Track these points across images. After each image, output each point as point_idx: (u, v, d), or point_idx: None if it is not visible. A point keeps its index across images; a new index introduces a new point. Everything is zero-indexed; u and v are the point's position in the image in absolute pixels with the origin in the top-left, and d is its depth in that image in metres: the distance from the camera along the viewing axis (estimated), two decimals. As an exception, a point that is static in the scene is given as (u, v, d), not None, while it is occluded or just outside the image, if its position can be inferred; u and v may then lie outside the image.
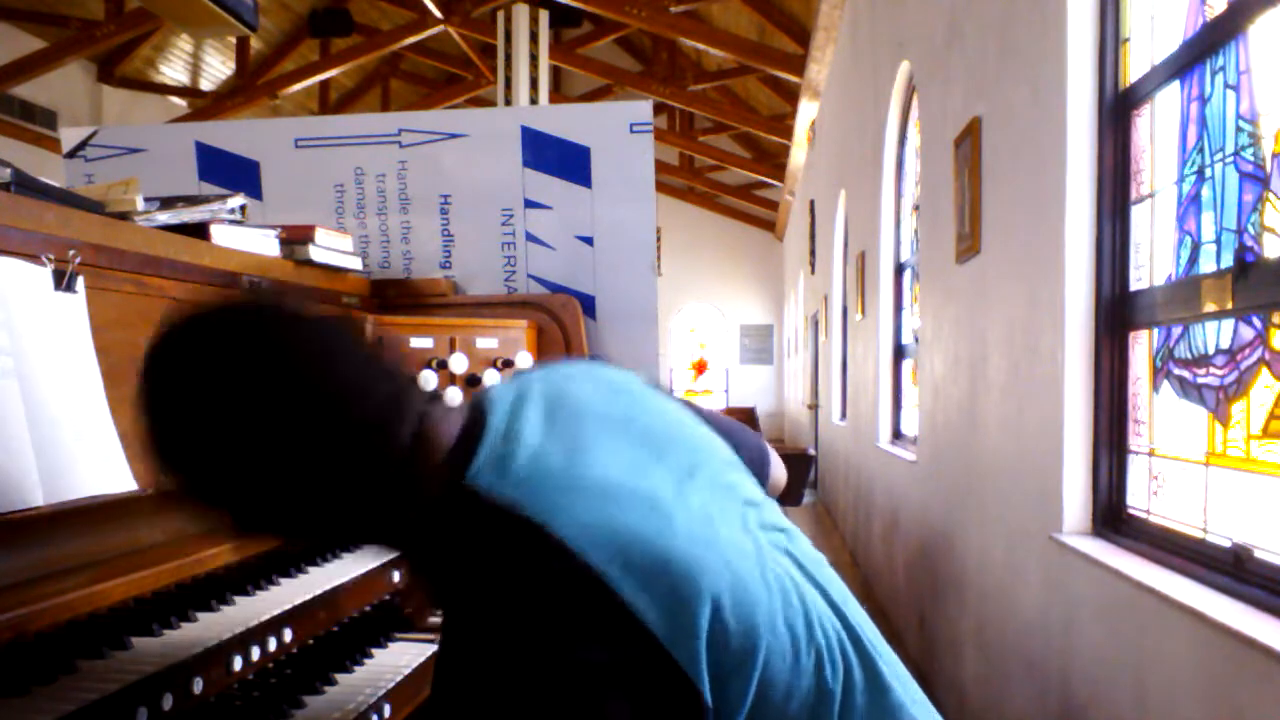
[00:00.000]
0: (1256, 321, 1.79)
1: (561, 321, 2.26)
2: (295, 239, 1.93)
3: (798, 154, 11.23)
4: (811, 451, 9.68)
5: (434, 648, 1.48)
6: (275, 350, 0.88)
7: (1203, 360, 1.99)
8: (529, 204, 2.41)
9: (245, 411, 0.85)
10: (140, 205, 1.56)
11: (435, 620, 1.57)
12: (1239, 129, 1.87)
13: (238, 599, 1.27)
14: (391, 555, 1.61)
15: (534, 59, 9.60)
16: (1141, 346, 2.28)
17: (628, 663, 0.83)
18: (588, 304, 2.35)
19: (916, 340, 4.61)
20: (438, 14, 10.15)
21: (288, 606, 1.27)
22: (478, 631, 0.83)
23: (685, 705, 0.84)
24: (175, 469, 0.89)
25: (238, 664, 1.18)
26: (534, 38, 9.61)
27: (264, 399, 0.85)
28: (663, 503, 0.91)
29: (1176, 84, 2.12)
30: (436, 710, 0.85)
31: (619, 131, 2.36)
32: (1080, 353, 2.38)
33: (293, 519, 0.92)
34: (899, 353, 5.39)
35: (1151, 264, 2.24)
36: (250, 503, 0.90)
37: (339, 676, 1.36)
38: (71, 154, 2.59)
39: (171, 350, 0.91)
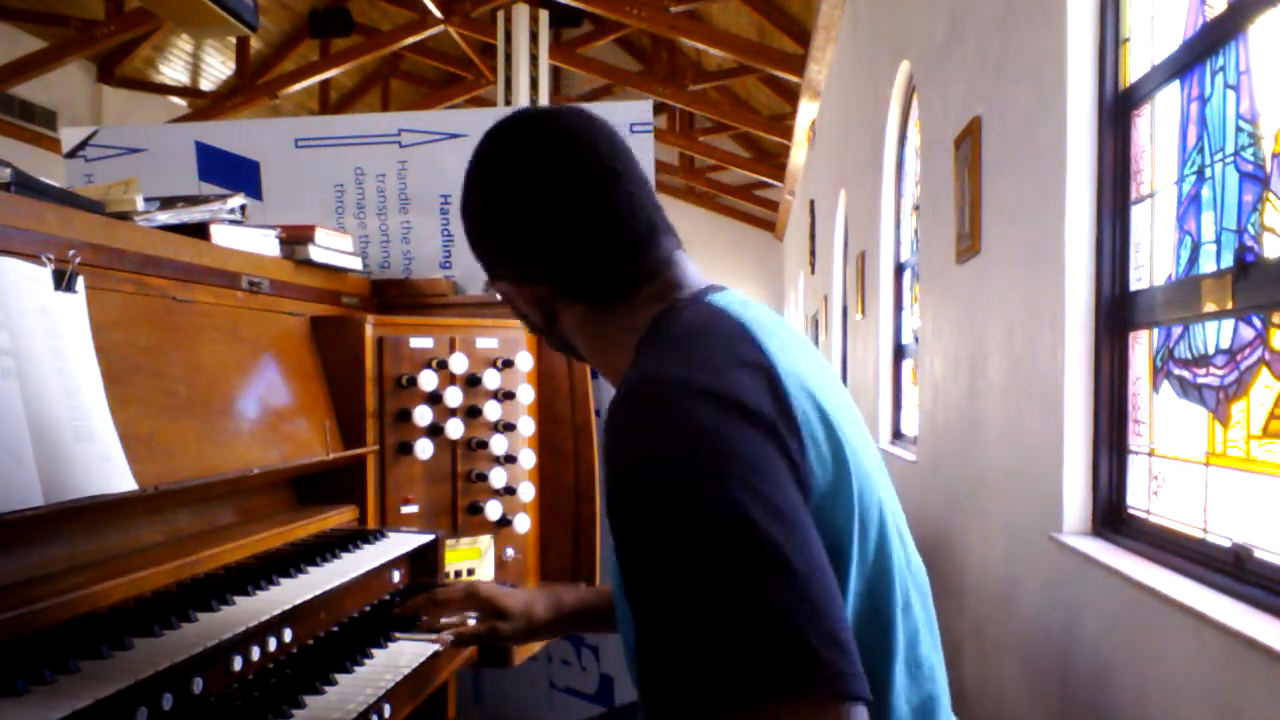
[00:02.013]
0: (1256, 321, 1.79)
1: (561, 321, 2.26)
2: (295, 239, 1.93)
3: (798, 154, 11.23)
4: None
5: (434, 648, 1.48)
6: (598, 150, 1.10)
7: (1203, 360, 1.99)
8: (529, 204, 2.41)
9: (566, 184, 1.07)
10: (140, 205, 1.56)
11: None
12: (1239, 129, 1.87)
13: (238, 599, 1.27)
14: (399, 551, 1.61)
15: (534, 59, 9.61)
16: (1141, 346, 2.28)
17: (787, 449, 0.88)
18: (588, 304, 2.35)
19: (916, 340, 4.61)
20: (438, 14, 10.15)
21: (288, 606, 1.27)
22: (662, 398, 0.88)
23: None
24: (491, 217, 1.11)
25: (238, 664, 1.18)
26: (534, 38, 9.62)
27: (578, 181, 1.08)
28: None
29: (1176, 84, 2.12)
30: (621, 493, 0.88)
31: (619, 131, 2.36)
32: (1080, 353, 2.38)
33: (566, 274, 1.09)
34: (899, 353, 5.39)
35: (1151, 264, 2.24)
36: (539, 253, 1.08)
37: (339, 676, 1.36)
38: (71, 154, 2.59)
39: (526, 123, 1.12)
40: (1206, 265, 1.97)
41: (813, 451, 0.90)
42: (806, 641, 0.76)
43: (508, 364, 2.12)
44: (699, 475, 0.83)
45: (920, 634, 1.03)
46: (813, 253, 10.13)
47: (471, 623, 1.48)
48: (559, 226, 1.08)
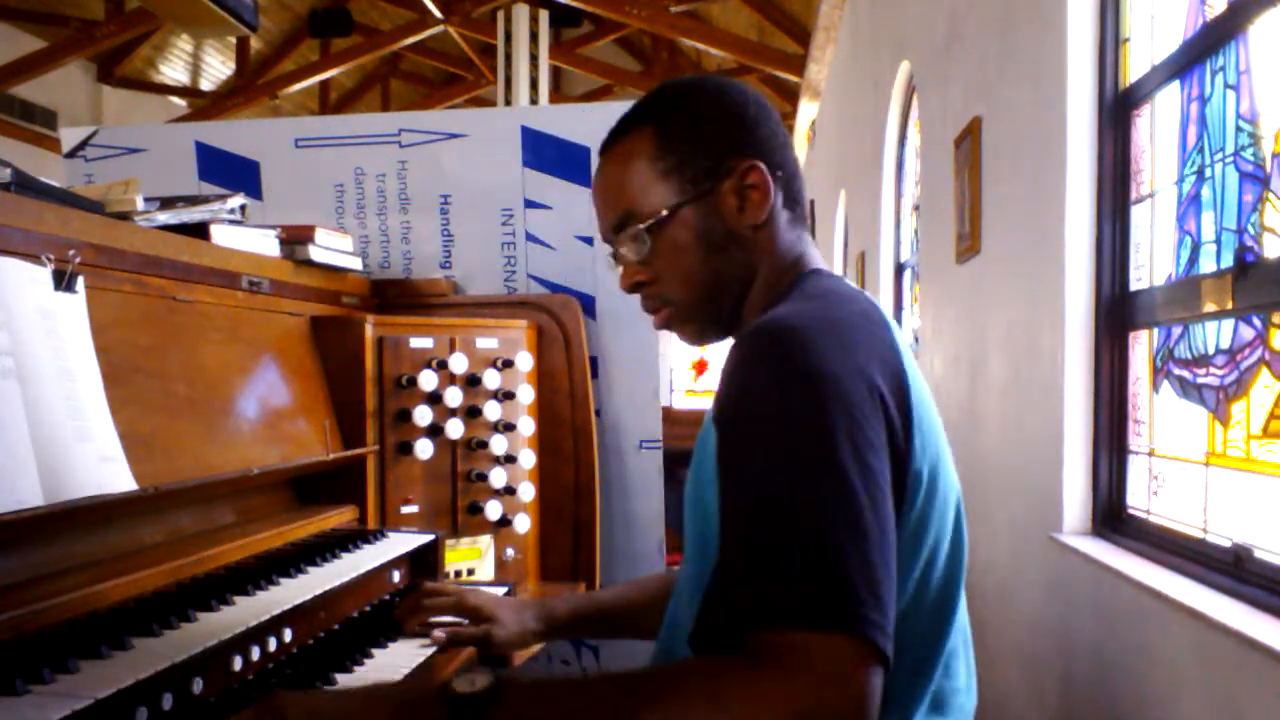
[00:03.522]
0: (1256, 321, 1.79)
1: (561, 321, 2.26)
2: (295, 239, 1.93)
3: (798, 154, 11.23)
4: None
5: (432, 649, 1.48)
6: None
7: (1203, 360, 1.99)
8: (529, 204, 2.41)
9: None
10: (140, 205, 1.56)
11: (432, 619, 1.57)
12: (1239, 129, 1.87)
13: (238, 599, 1.27)
14: (401, 550, 1.61)
15: (534, 59, 9.61)
16: (1141, 346, 2.28)
17: (893, 405, 0.95)
18: (588, 304, 2.35)
19: (916, 340, 4.61)
20: (438, 14, 10.15)
21: (288, 606, 1.27)
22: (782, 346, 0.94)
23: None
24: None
25: (238, 664, 1.18)
26: (534, 38, 9.61)
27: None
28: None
29: (1176, 84, 2.12)
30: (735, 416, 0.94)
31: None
32: (1080, 352, 2.38)
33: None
34: (899, 353, 5.38)
35: (1151, 264, 2.24)
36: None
37: (339, 676, 1.35)
38: (71, 154, 2.58)
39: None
40: (1206, 265, 1.97)
41: (918, 441, 0.96)
42: (854, 589, 0.82)
43: (508, 364, 2.12)
44: (810, 413, 0.89)
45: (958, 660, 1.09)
46: (813, 253, 10.12)
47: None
48: (769, 146, 1.15)
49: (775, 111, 1.20)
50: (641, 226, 1.14)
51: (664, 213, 1.12)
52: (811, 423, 0.88)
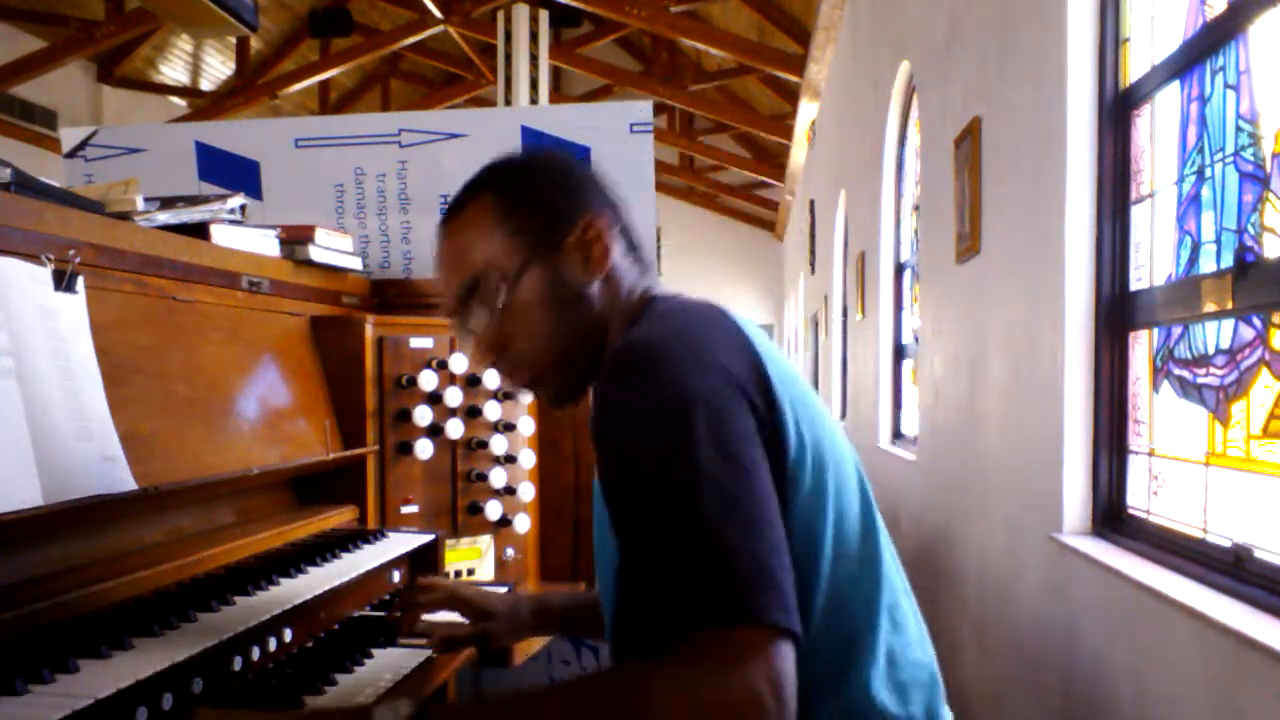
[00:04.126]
0: (1256, 321, 1.79)
1: (561, 321, 2.26)
2: (295, 239, 1.93)
3: (798, 154, 11.23)
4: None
5: (429, 651, 1.48)
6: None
7: (1203, 360, 1.99)
8: (529, 204, 2.41)
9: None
10: (140, 205, 1.56)
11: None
12: (1239, 129, 1.87)
13: (238, 599, 1.27)
14: (392, 555, 1.61)
15: (534, 59, 9.61)
16: (1141, 346, 2.28)
17: (755, 393, 0.97)
18: (588, 304, 2.35)
19: (916, 340, 4.61)
20: (438, 14, 10.15)
21: (288, 606, 1.27)
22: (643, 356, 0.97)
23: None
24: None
25: (238, 664, 1.18)
26: (534, 38, 9.62)
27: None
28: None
29: (1176, 84, 2.12)
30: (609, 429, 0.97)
31: (619, 131, 2.36)
32: (1080, 353, 2.38)
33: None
34: (899, 353, 5.39)
35: (1151, 264, 2.24)
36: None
37: (339, 676, 1.36)
38: (71, 154, 2.58)
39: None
40: (1206, 265, 1.97)
41: (789, 420, 0.99)
42: (740, 578, 0.86)
43: (508, 364, 2.12)
44: (673, 418, 0.92)
45: (905, 629, 1.12)
46: (813, 253, 10.13)
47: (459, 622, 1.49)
48: (602, 201, 1.18)
49: (600, 175, 1.25)
50: (491, 288, 1.14)
51: (511, 273, 1.13)
52: (675, 428, 0.91)
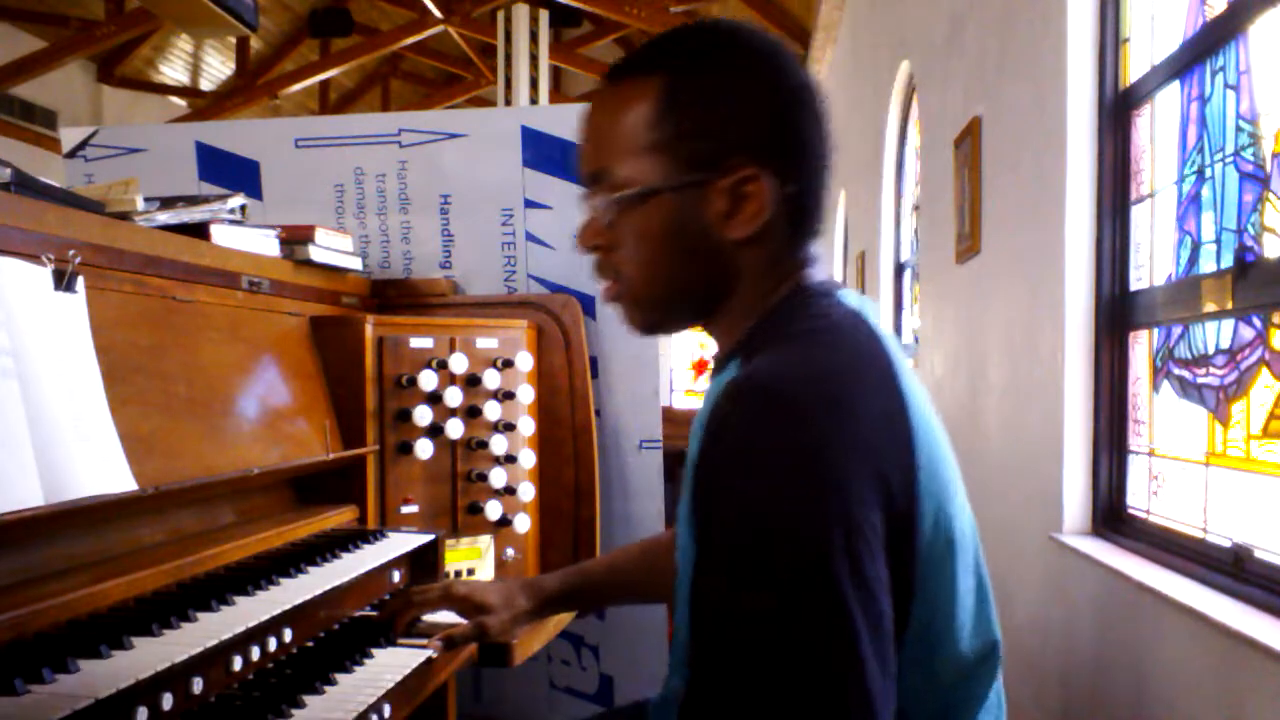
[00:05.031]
0: (1256, 321, 1.79)
1: (561, 321, 2.26)
2: (295, 239, 1.93)
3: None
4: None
5: (429, 651, 1.47)
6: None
7: (1203, 360, 1.99)
8: (529, 204, 2.41)
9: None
10: (140, 205, 1.56)
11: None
12: (1239, 129, 1.87)
13: (238, 599, 1.27)
14: (410, 547, 1.61)
15: (534, 59, 9.60)
16: (1141, 346, 2.28)
17: (894, 476, 0.85)
18: (588, 304, 2.35)
19: (916, 340, 4.61)
20: (438, 14, 10.14)
21: (288, 606, 1.27)
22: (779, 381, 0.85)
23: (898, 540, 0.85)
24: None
25: (238, 664, 1.18)
26: (534, 38, 9.61)
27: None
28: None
29: (1176, 84, 2.12)
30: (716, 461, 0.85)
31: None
32: (1080, 353, 2.38)
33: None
34: (899, 353, 5.39)
35: (1151, 264, 2.24)
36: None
37: (339, 676, 1.35)
38: (71, 154, 2.58)
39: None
40: (1206, 265, 1.97)
41: (927, 513, 0.88)
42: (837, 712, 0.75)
43: (508, 364, 2.12)
44: (805, 514, 0.78)
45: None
46: (813, 253, 10.11)
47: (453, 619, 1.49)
48: (796, 152, 0.97)
49: (824, 114, 0.99)
50: (613, 196, 0.98)
51: (639, 189, 0.96)
52: (806, 527, 0.78)
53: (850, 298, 1.03)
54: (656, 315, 1.04)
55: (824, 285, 1.01)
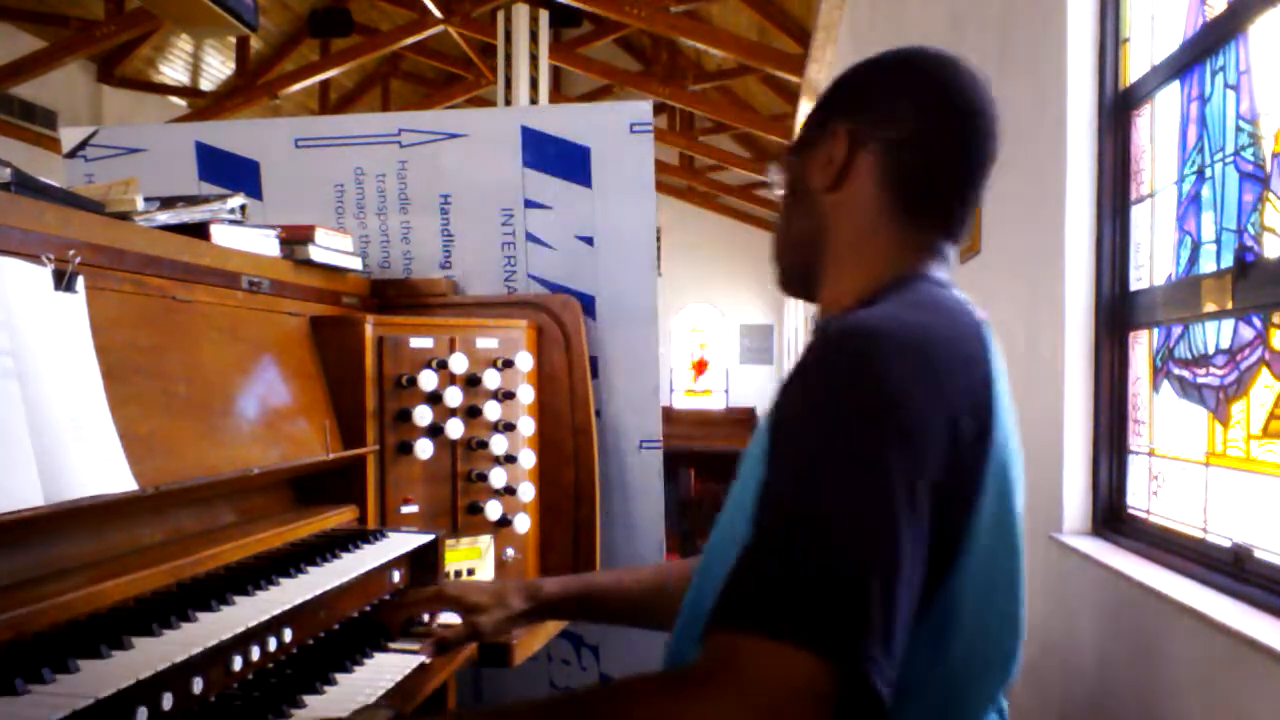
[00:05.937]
0: (1256, 321, 1.79)
1: (561, 321, 2.26)
2: (295, 239, 1.93)
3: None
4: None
5: (421, 657, 1.47)
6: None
7: (1203, 360, 1.99)
8: (529, 204, 2.41)
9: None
10: (140, 205, 1.56)
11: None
12: (1239, 129, 1.87)
13: (238, 599, 1.27)
14: (407, 548, 1.61)
15: (534, 59, 9.60)
16: (1141, 346, 2.28)
17: (960, 472, 0.89)
18: (588, 304, 2.35)
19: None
20: (438, 14, 10.14)
21: (288, 606, 1.27)
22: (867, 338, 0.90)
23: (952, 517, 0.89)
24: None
25: (238, 664, 1.18)
26: (534, 38, 9.61)
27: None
28: None
29: (1176, 84, 2.12)
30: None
31: (619, 131, 2.36)
32: (1080, 353, 2.38)
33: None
34: (899, 353, 5.38)
35: (1151, 264, 2.24)
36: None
37: (339, 676, 1.36)
38: (71, 154, 2.58)
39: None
40: (1206, 265, 1.97)
41: (990, 495, 0.91)
42: (867, 626, 0.78)
43: (508, 364, 2.12)
44: (877, 437, 0.84)
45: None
46: (813, 253, 10.10)
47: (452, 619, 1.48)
48: (935, 128, 1.12)
49: (943, 96, 1.14)
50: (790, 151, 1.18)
51: (792, 151, 1.17)
52: (874, 448, 0.83)
53: (969, 302, 1.08)
54: (782, 270, 1.19)
55: (943, 280, 1.09)
